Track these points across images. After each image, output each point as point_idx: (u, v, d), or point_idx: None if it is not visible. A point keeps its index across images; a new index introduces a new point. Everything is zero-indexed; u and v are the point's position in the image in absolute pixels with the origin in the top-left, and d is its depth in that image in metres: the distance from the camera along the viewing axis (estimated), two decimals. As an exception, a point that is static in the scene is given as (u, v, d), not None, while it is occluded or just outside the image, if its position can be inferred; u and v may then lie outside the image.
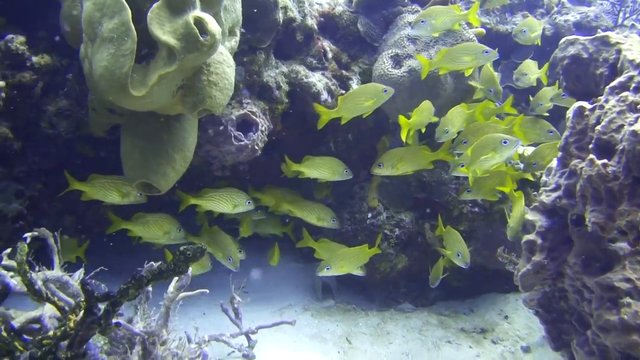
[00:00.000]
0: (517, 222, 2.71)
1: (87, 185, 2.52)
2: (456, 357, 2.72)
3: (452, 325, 2.99)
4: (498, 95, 2.90)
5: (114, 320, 1.47)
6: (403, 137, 2.63)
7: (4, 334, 1.39)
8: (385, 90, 2.63)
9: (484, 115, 2.79)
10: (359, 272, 2.82)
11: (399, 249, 3.07)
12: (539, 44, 3.46)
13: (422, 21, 2.69)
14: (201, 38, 1.83)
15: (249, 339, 2.56)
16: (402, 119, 2.61)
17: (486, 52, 2.66)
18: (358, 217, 3.08)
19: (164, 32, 1.84)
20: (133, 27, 1.81)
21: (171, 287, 1.98)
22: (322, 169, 2.85)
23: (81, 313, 1.52)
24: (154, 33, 1.82)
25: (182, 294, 2.01)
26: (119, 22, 1.84)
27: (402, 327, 2.93)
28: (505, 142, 2.48)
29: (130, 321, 2.06)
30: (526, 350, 2.82)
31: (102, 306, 1.48)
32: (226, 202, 2.74)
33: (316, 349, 2.70)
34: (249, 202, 2.79)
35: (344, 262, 2.72)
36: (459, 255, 2.71)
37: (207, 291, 2.12)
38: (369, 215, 3.06)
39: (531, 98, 3.13)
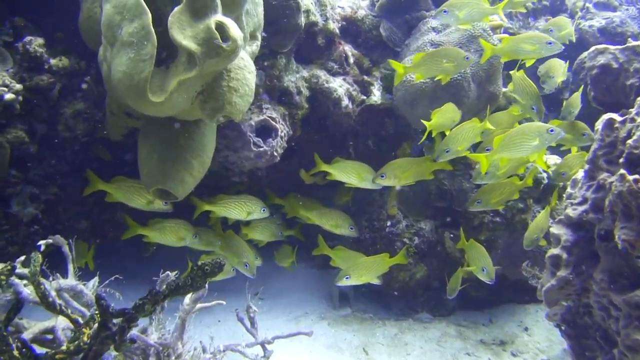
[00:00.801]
0: (534, 231, 2.66)
1: (112, 187, 2.50)
2: (475, 371, 2.67)
3: (471, 336, 2.93)
4: (540, 113, 2.77)
5: (128, 335, 1.43)
6: (422, 139, 2.58)
7: (16, 352, 1.35)
8: (467, 58, 2.56)
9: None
10: (375, 281, 2.77)
11: (418, 258, 3.01)
12: (568, 42, 3.34)
13: (445, 11, 2.61)
14: (222, 44, 1.79)
15: (264, 349, 2.51)
16: (425, 123, 2.55)
17: (549, 42, 2.52)
18: (377, 225, 3.02)
19: (185, 37, 1.80)
20: (153, 31, 1.78)
21: (187, 299, 1.94)
22: (350, 174, 2.79)
23: (95, 326, 1.48)
24: (175, 38, 1.79)
25: (199, 305, 1.98)
26: (139, 25, 1.81)
27: (420, 338, 2.87)
28: (552, 131, 2.39)
29: (144, 331, 2.03)
30: (546, 363, 2.76)
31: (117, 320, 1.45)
32: (240, 209, 2.70)
33: (332, 359, 2.65)
34: (263, 210, 2.74)
35: (364, 271, 2.66)
36: (484, 270, 2.64)
37: (224, 302, 2.09)
38: (388, 223, 3.00)
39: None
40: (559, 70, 3.10)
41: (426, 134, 2.56)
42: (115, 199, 2.53)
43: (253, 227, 2.94)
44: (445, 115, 2.56)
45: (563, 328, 2.33)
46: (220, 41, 1.79)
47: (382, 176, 2.69)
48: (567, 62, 3.19)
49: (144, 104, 1.86)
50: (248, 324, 2.56)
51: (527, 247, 2.67)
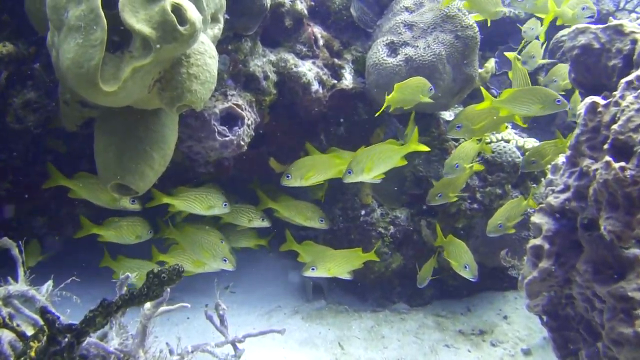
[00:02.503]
0: (498, 217, 2.59)
1: (75, 183, 2.36)
2: (454, 363, 2.59)
3: (449, 327, 2.85)
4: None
5: (78, 352, 1.29)
6: (378, 113, 2.51)
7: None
8: (431, 89, 2.48)
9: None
10: (346, 276, 2.66)
11: (393, 248, 2.91)
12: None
13: None
14: (179, 27, 1.65)
15: (235, 348, 2.39)
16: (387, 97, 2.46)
17: (558, 101, 2.40)
18: (351, 214, 2.91)
19: (138, 20, 1.66)
20: (103, 14, 1.63)
21: (148, 304, 1.80)
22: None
23: (44, 340, 1.35)
24: (127, 21, 1.64)
25: (161, 309, 1.85)
26: (87, 8, 1.66)
27: (397, 330, 2.78)
28: (558, 102, 2.35)
29: (104, 336, 1.90)
30: (527, 352, 2.69)
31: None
32: (201, 203, 2.55)
33: (307, 356, 2.55)
34: (225, 205, 2.60)
35: (333, 264, 2.55)
36: (466, 267, 2.56)
37: (188, 305, 1.96)
38: (362, 212, 2.89)
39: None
40: (564, 74, 2.98)
41: (382, 108, 2.44)
42: (78, 196, 2.40)
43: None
44: (405, 90, 2.44)
45: (544, 319, 2.26)
46: (177, 24, 1.65)
47: (288, 176, 2.58)
48: (545, 43, 3.11)
49: (95, 94, 1.71)
50: (217, 322, 2.43)
51: (489, 233, 2.62)
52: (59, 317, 1.32)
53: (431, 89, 2.48)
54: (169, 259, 2.66)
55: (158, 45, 1.65)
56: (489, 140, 2.91)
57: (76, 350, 1.26)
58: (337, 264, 2.56)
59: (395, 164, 2.53)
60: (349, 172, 2.48)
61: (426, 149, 2.57)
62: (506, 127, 2.82)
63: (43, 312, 1.27)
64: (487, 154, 2.85)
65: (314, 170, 2.57)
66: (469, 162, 2.61)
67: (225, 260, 2.60)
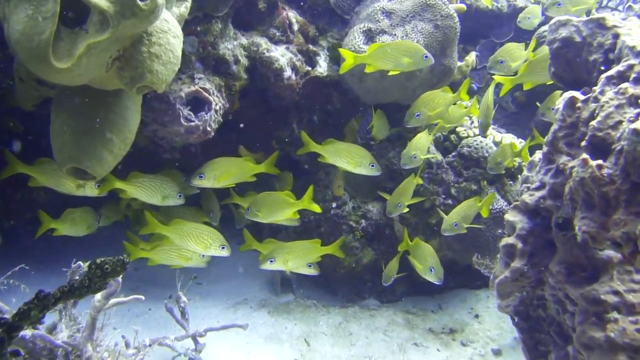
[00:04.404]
0: (454, 216, 2.56)
1: (35, 170, 2.25)
2: (422, 362, 2.52)
3: (419, 325, 2.78)
4: (484, 127, 2.67)
5: (11, 348, 1.19)
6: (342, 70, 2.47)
7: None
8: (426, 57, 2.39)
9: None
10: (311, 272, 2.57)
11: (365, 242, 2.83)
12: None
13: None
14: (139, 2, 1.55)
15: (196, 342, 2.31)
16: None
17: (425, 56, 2.39)
18: (322, 207, 2.81)
19: (95, -8, 1.55)
20: (55, -17, 1.52)
21: (98, 295, 1.70)
22: (344, 157, 2.58)
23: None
24: (82, -7, 1.53)
25: (113, 301, 1.75)
26: (38, -23, 1.54)
27: (366, 327, 2.71)
28: (425, 57, 2.39)
29: (54, 329, 1.80)
30: (497, 353, 2.63)
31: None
32: (154, 192, 2.44)
33: (271, 352, 2.46)
34: (179, 195, 2.50)
35: (291, 256, 2.46)
36: (431, 270, 2.49)
37: (142, 298, 1.87)
38: (334, 205, 2.80)
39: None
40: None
41: (348, 64, 2.42)
42: (39, 184, 2.29)
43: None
44: (392, 48, 2.39)
45: (515, 319, 2.20)
46: (137, -1, 1.54)
47: (201, 176, 2.50)
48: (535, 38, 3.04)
49: (47, 70, 1.60)
50: (178, 315, 2.35)
51: (444, 232, 2.56)
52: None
53: (426, 57, 2.39)
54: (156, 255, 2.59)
55: (116, 21, 1.55)
56: (465, 135, 2.84)
57: (6, 345, 1.15)
58: (296, 256, 2.47)
59: (247, 179, 2.59)
60: (200, 177, 2.50)
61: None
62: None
63: (-28, 304, 1.17)
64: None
65: (228, 172, 2.52)
66: (425, 153, 2.58)
67: (223, 248, 2.48)
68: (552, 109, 2.74)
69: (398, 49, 2.38)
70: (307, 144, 2.61)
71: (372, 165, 2.59)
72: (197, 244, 2.44)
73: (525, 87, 2.56)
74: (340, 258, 2.74)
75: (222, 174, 2.50)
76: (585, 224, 1.64)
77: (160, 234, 2.50)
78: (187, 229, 2.44)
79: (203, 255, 2.55)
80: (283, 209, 2.53)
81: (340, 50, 2.47)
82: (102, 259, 1.22)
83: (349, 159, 2.57)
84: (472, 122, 2.95)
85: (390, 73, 2.42)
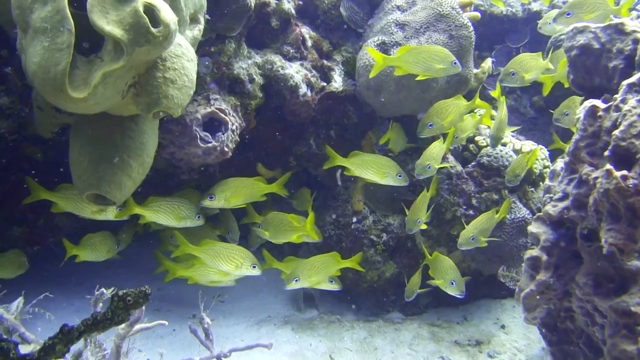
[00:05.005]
0: (471, 230, 2.55)
1: (57, 196, 2.27)
2: (450, 376, 2.48)
3: (445, 337, 2.74)
4: (496, 141, 2.67)
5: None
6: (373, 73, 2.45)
7: None
8: (455, 63, 2.40)
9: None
10: (334, 287, 2.57)
11: (387, 256, 2.81)
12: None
13: None
14: (152, 29, 1.55)
15: (220, 362, 2.30)
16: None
17: (455, 63, 2.41)
18: (342, 222, 2.81)
19: (108, 21, 1.56)
20: (70, 15, 1.53)
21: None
22: (370, 169, 2.58)
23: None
24: (96, 23, 1.54)
25: (137, 327, 1.75)
26: (53, 9, 1.56)
27: (391, 342, 2.68)
28: (455, 64, 2.41)
29: (79, 356, 1.80)
30: (525, 364, 2.59)
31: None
32: (172, 214, 2.45)
33: (296, 370, 2.45)
34: (198, 217, 2.50)
35: (312, 272, 2.46)
36: (453, 283, 2.46)
37: (166, 323, 1.86)
38: (354, 219, 2.78)
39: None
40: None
41: (378, 66, 2.44)
42: (61, 209, 2.31)
43: None
44: (421, 53, 2.40)
45: (543, 331, 2.16)
46: (150, 26, 1.55)
47: (211, 197, 2.51)
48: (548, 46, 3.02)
49: (64, 100, 1.61)
50: (202, 336, 2.34)
51: (461, 246, 2.54)
52: (17, 344, 1.22)
53: (455, 63, 2.40)
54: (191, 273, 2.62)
55: (130, 49, 1.55)
56: (484, 144, 2.80)
57: (32, 382, 1.16)
58: (317, 272, 2.47)
59: (257, 199, 2.62)
60: (210, 198, 2.51)
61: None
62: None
63: (-4, 340, 1.17)
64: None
65: (239, 193, 2.53)
66: (439, 162, 2.56)
67: (254, 267, 2.50)
68: (566, 114, 2.70)
69: (428, 52, 2.37)
70: (333, 157, 2.60)
71: (400, 176, 2.57)
72: (228, 263, 2.46)
73: (566, 86, 2.48)
74: (362, 272, 2.72)
75: (232, 194, 2.51)
76: (611, 236, 1.61)
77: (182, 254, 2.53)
78: (218, 249, 2.46)
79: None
80: (287, 232, 2.57)
81: (369, 49, 2.46)
82: (124, 291, 1.22)
83: (375, 170, 2.56)
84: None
85: (418, 78, 2.41)
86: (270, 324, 2.81)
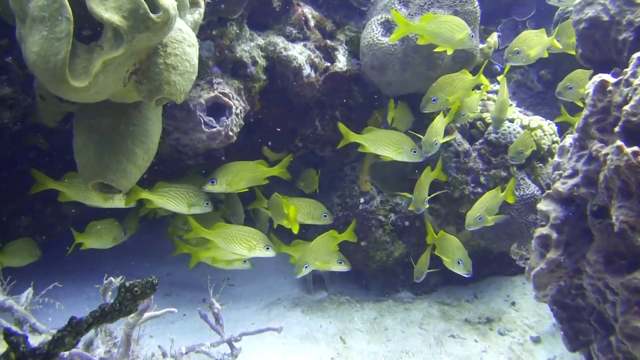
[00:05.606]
0: (477, 209, 2.51)
1: (64, 185, 2.26)
2: (461, 354, 2.48)
3: (455, 316, 2.74)
4: (498, 123, 2.64)
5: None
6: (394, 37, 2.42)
7: None
8: (473, 36, 2.42)
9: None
10: (343, 268, 2.57)
11: (395, 236, 2.80)
12: None
13: None
14: (152, 15, 1.53)
15: (232, 346, 2.30)
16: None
17: (472, 35, 2.42)
18: (349, 202, 2.79)
19: (107, 8, 1.54)
20: (67, 3, 1.51)
21: (130, 312, 1.70)
22: (385, 145, 2.54)
23: (12, 362, 1.25)
24: (94, 10, 1.52)
25: (147, 315, 1.74)
26: (50, -3, 1.53)
27: (401, 321, 2.68)
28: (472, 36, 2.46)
29: (89, 345, 1.81)
30: (536, 340, 2.58)
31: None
32: (181, 200, 2.44)
33: (307, 352, 2.45)
34: (207, 203, 2.49)
35: (317, 254, 2.48)
36: (459, 262, 2.45)
37: (175, 310, 1.86)
38: (362, 200, 2.77)
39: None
40: (583, 81, 2.80)
41: (400, 33, 2.39)
42: (68, 198, 2.30)
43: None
44: (443, 23, 2.35)
45: (554, 309, 2.15)
46: (149, 12, 1.52)
47: (213, 182, 2.49)
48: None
49: (65, 90, 1.59)
50: (212, 321, 2.34)
51: (468, 227, 2.51)
52: (26, 338, 1.22)
53: (472, 36, 2.39)
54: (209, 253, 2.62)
55: (130, 35, 1.53)
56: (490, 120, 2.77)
57: (42, 376, 1.16)
58: (320, 253, 2.48)
59: (259, 182, 2.61)
60: (212, 182, 2.50)
61: (288, 176, 2.64)
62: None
63: (6, 334, 1.17)
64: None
65: (240, 177, 2.51)
66: (442, 136, 2.51)
67: (268, 248, 2.50)
68: (570, 87, 2.66)
69: (451, 23, 2.34)
70: (346, 134, 2.57)
71: (414, 152, 2.53)
72: (242, 246, 2.46)
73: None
74: (372, 253, 2.72)
75: (234, 178, 2.49)
76: (623, 213, 1.59)
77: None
78: (231, 231, 2.46)
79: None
80: (282, 215, 2.55)
81: (394, 13, 2.40)
82: (131, 282, 1.21)
83: (390, 145, 2.53)
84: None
85: (437, 49, 2.38)
86: (280, 306, 2.82)
